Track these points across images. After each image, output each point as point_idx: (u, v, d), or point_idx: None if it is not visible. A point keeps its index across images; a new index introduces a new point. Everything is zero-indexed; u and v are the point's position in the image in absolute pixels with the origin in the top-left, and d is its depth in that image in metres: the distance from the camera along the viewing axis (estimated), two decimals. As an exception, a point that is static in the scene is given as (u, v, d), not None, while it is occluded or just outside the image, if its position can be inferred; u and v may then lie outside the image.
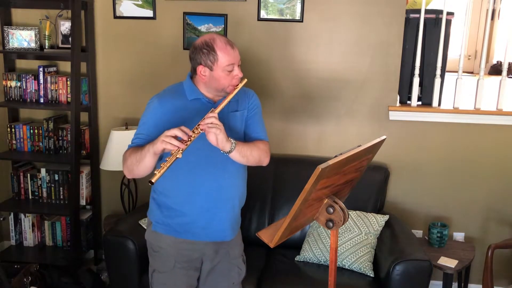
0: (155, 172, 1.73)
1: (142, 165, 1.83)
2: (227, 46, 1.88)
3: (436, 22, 3.09)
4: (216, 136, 1.79)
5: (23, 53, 3.31)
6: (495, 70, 6.13)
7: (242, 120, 2.05)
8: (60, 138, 3.32)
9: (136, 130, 1.99)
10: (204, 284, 2.11)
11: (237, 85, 1.92)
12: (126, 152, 1.93)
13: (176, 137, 1.73)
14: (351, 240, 2.75)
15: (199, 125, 1.80)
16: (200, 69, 1.89)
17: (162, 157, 1.91)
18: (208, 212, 1.98)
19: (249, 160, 1.97)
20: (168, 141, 1.72)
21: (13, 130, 3.34)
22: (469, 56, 6.46)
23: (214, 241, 2.04)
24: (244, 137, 2.06)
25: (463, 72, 3.16)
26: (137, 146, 1.90)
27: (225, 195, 2.00)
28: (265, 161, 2.04)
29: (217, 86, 1.91)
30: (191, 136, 1.76)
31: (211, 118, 1.79)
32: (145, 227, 2.23)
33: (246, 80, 1.95)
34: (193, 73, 1.96)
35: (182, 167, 1.88)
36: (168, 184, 1.95)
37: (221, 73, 1.88)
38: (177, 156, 1.73)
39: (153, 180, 1.72)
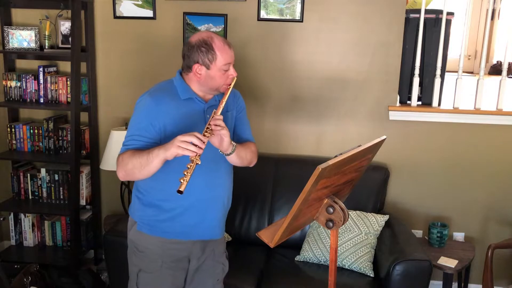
0: (180, 180, 1.70)
1: (147, 169, 1.79)
2: (225, 45, 1.87)
3: (436, 22, 3.09)
4: (223, 138, 1.80)
5: (23, 53, 3.31)
6: (495, 70, 6.14)
7: (232, 121, 2.05)
8: (60, 138, 3.32)
9: (128, 131, 1.92)
10: (190, 283, 2.09)
11: (230, 84, 1.91)
12: (123, 154, 1.85)
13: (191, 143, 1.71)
14: (351, 240, 2.75)
15: (207, 129, 1.78)
16: (196, 67, 1.87)
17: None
18: (199, 210, 1.96)
19: (243, 162, 1.99)
20: (185, 147, 1.69)
21: (13, 130, 3.34)
22: (469, 56, 6.46)
23: (203, 239, 2.03)
24: (233, 137, 2.06)
25: (463, 72, 3.16)
26: (136, 149, 1.84)
27: (217, 193, 2.00)
28: (253, 162, 2.08)
29: (212, 85, 1.90)
30: (205, 142, 1.74)
31: (219, 121, 1.79)
32: None
33: (236, 78, 1.93)
34: (186, 70, 1.92)
35: (173, 165, 1.82)
36: (158, 183, 1.91)
37: (217, 72, 1.86)
38: (197, 162, 1.71)
39: (181, 189, 1.69)
